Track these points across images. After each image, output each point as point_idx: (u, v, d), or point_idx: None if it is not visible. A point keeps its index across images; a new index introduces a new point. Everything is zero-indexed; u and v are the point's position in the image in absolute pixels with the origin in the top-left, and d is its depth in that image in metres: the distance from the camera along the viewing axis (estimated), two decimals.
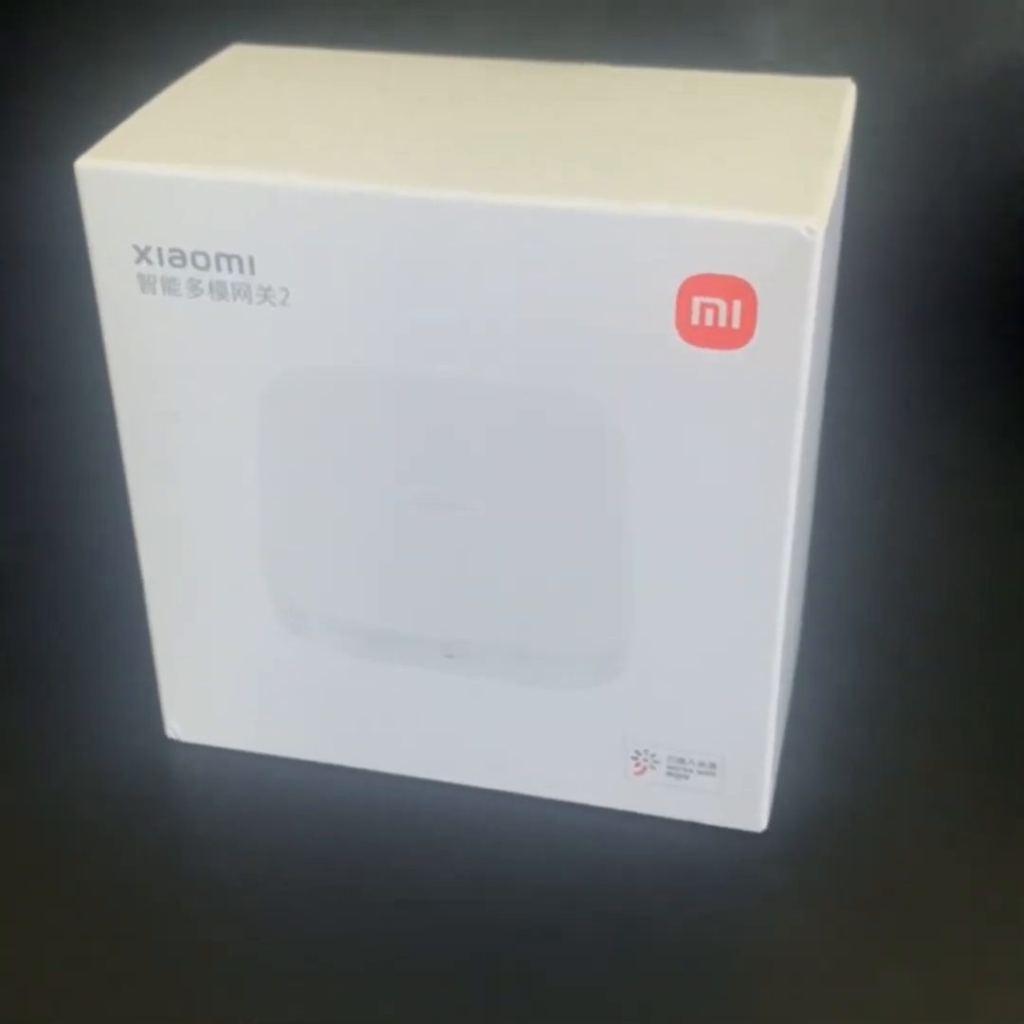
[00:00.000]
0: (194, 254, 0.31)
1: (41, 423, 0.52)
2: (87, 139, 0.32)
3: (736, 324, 0.29)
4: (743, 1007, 0.32)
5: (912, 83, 0.57)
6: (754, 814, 0.35)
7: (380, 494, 0.33)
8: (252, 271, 0.31)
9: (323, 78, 0.35)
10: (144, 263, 0.31)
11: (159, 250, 0.31)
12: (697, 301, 0.29)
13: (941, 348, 0.56)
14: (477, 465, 0.32)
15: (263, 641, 0.36)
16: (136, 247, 0.31)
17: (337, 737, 0.37)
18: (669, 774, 0.35)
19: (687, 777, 0.35)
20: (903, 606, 0.43)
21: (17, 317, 0.58)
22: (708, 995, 0.32)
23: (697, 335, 0.29)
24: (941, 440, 0.51)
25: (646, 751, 0.35)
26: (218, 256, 0.31)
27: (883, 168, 0.54)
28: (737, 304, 0.29)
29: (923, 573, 0.45)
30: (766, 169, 0.30)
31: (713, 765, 0.35)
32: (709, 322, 0.29)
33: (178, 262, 0.31)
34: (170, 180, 0.30)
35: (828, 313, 0.33)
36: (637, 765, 0.35)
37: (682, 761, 0.35)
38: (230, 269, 0.31)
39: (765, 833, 0.36)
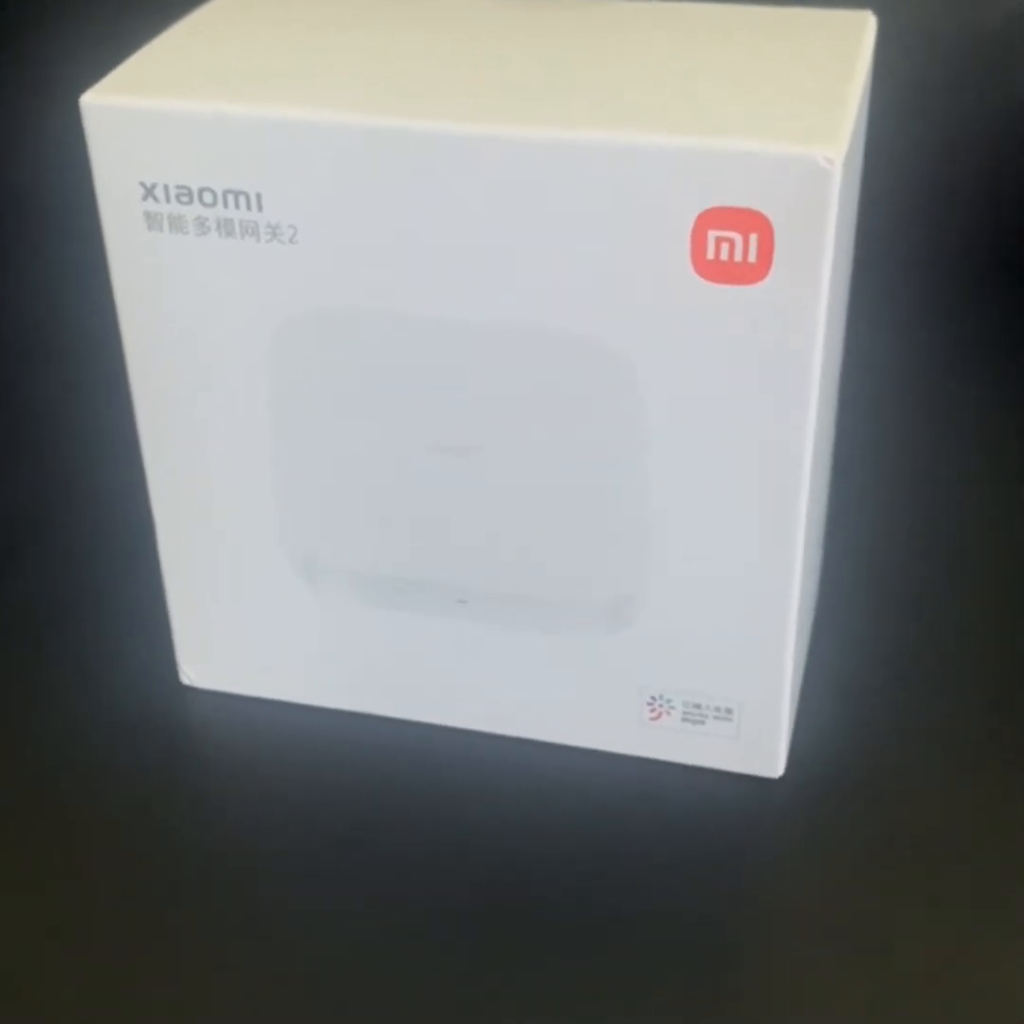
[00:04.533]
0: (201, 191, 0.30)
1: (52, 370, 0.51)
2: (93, 76, 0.31)
3: (752, 258, 0.28)
4: (756, 954, 0.32)
5: (934, 23, 0.56)
6: (771, 760, 0.35)
7: (391, 439, 0.33)
8: (260, 208, 0.30)
9: (330, 14, 0.34)
10: (150, 200, 0.31)
11: (165, 187, 0.30)
12: (712, 235, 0.28)
13: (959, 290, 0.55)
14: (490, 408, 0.32)
15: (275, 587, 0.36)
16: (142, 184, 0.31)
17: (349, 683, 0.37)
18: (685, 720, 0.35)
19: (703, 722, 0.35)
20: (921, 555, 0.43)
21: (25, 258, 0.58)
22: (721, 941, 0.32)
23: (712, 270, 0.29)
24: (961, 389, 0.50)
25: (662, 696, 0.35)
26: (225, 193, 0.30)
27: (904, 110, 0.53)
28: (754, 238, 0.28)
29: (941, 522, 0.44)
30: (784, 100, 0.29)
31: (729, 710, 0.35)
32: (725, 257, 0.29)
33: (185, 199, 0.31)
34: (176, 115, 0.30)
35: (848, 249, 0.32)
36: (653, 711, 0.35)
37: (698, 706, 0.35)
38: (237, 206, 0.30)
39: (782, 779, 0.35)
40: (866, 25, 0.33)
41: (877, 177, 0.38)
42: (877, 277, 0.45)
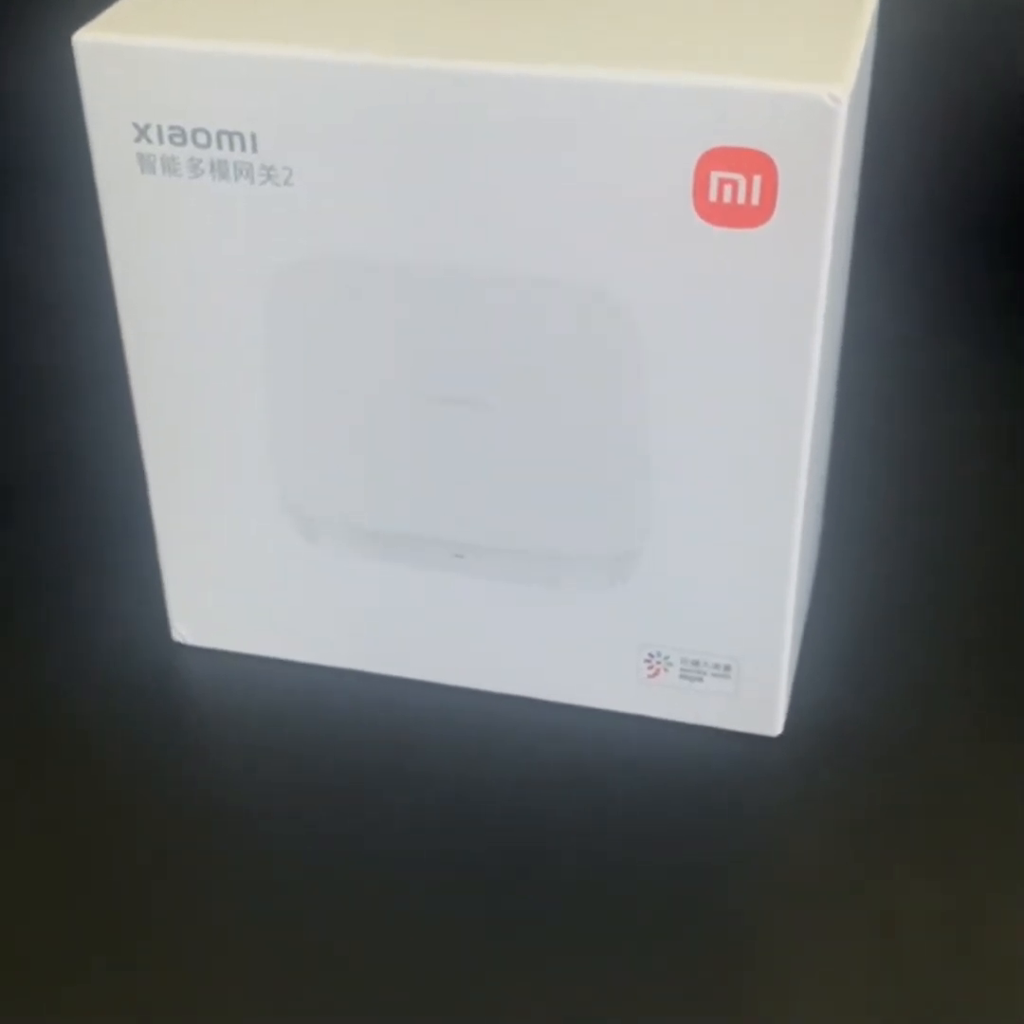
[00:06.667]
0: (195, 131, 0.30)
1: (43, 324, 0.51)
2: (87, 14, 0.31)
3: (756, 201, 0.28)
4: (754, 913, 0.31)
5: None
6: (770, 718, 0.35)
7: (390, 390, 0.32)
8: (254, 149, 0.30)
9: None
10: (143, 141, 0.30)
11: (159, 127, 0.30)
12: (715, 176, 0.28)
13: (964, 247, 0.55)
14: (489, 358, 0.31)
15: (269, 543, 0.35)
16: (135, 125, 0.30)
17: (344, 640, 0.36)
18: (682, 677, 0.35)
19: (701, 680, 0.34)
20: (921, 514, 0.42)
21: (15, 205, 0.57)
22: (720, 899, 0.32)
23: (715, 213, 0.28)
24: (964, 348, 0.50)
25: (659, 653, 0.34)
26: (219, 133, 0.30)
27: (908, 64, 0.53)
28: (757, 179, 0.28)
29: (943, 480, 0.44)
30: (787, 38, 0.29)
31: (728, 667, 0.34)
32: (727, 199, 0.28)
33: (178, 140, 0.30)
34: (170, 54, 0.29)
35: (852, 195, 0.32)
36: (650, 668, 0.35)
37: (696, 663, 0.34)
38: (232, 147, 0.30)
39: (781, 737, 0.35)
40: None
41: (880, 133, 0.38)
42: (880, 234, 0.44)
